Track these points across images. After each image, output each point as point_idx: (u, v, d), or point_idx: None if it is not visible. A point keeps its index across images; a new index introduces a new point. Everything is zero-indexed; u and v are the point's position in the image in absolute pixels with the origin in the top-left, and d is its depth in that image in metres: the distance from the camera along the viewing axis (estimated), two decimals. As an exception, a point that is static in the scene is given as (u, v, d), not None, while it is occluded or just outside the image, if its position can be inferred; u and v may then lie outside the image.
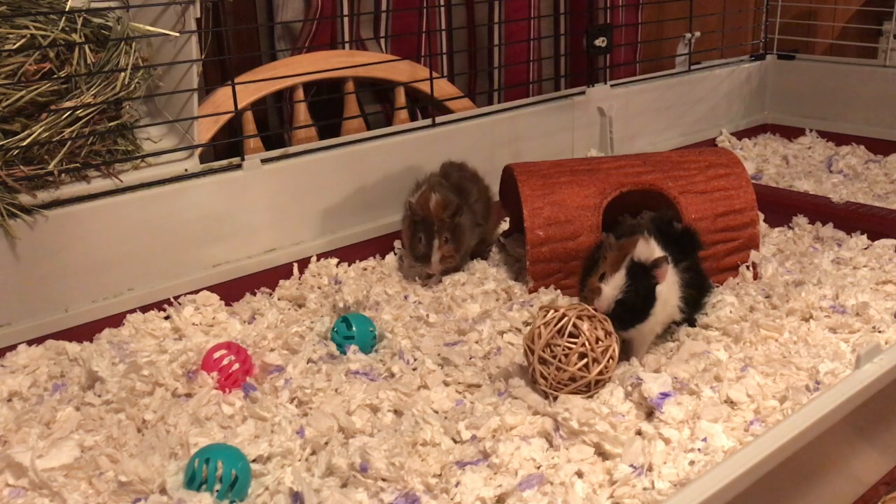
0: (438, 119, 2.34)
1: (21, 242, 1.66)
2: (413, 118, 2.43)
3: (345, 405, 1.44)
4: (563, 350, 1.41)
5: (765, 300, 1.80)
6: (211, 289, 1.89)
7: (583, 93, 2.66)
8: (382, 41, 2.47)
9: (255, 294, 1.94)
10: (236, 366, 1.53)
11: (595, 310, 1.47)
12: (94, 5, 1.80)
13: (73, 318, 1.73)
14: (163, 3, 1.83)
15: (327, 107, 2.35)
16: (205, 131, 1.97)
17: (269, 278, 1.97)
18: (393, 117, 2.40)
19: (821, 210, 2.23)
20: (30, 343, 1.67)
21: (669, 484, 1.24)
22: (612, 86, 2.75)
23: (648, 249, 1.53)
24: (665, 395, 1.40)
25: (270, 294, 1.95)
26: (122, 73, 1.77)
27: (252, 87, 2.09)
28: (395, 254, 2.15)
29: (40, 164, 1.69)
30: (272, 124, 2.39)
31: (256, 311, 1.85)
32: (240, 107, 2.03)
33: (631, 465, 1.28)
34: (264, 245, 2.01)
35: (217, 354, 1.53)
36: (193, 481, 1.23)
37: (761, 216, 2.12)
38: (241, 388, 1.51)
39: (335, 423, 1.38)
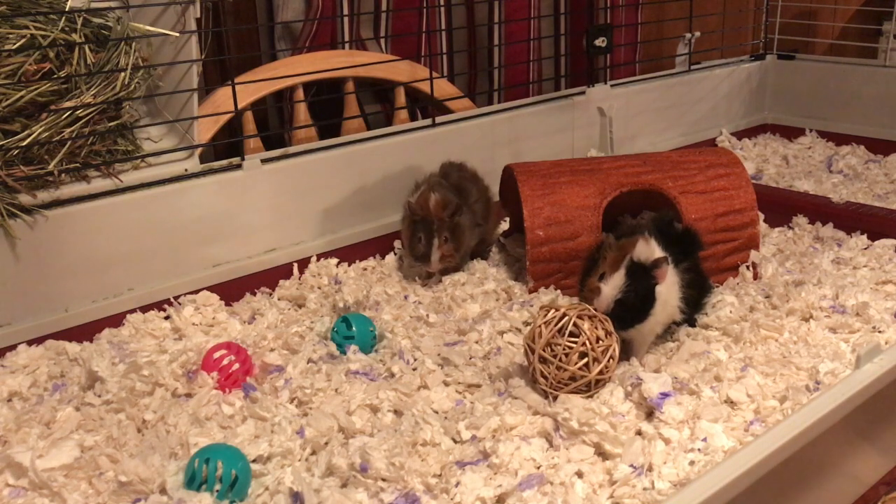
0: (438, 119, 2.34)
1: (21, 242, 1.66)
2: (413, 118, 2.43)
3: (345, 405, 1.44)
4: (564, 349, 1.41)
5: (765, 300, 1.80)
6: (211, 289, 1.89)
7: (583, 93, 2.66)
8: (382, 41, 2.47)
9: (255, 294, 1.94)
10: (236, 366, 1.53)
11: (595, 310, 1.47)
12: (94, 5, 1.80)
13: (73, 318, 1.73)
14: (163, 3, 1.83)
15: (327, 107, 2.34)
16: (205, 131, 1.97)
17: (269, 278, 1.97)
18: (393, 117, 2.40)
19: (821, 210, 2.23)
20: (30, 343, 1.67)
21: (669, 484, 1.24)
22: (612, 86, 2.75)
23: (648, 250, 1.53)
24: (665, 395, 1.40)
25: (270, 294, 1.95)
26: (122, 73, 1.77)
27: (252, 87, 2.09)
28: (395, 254, 2.15)
29: (40, 164, 1.69)
30: (272, 124, 2.39)
31: (256, 311, 1.85)
32: (240, 107, 2.03)
33: (631, 465, 1.28)
34: (264, 245, 2.00)
35: (217, 354, 1.53)
36: (193, 481, 1.23)
37: (761, 216, 2.11)
38: (241, 388, 1.51)
39: (335, 423, 1.38)
